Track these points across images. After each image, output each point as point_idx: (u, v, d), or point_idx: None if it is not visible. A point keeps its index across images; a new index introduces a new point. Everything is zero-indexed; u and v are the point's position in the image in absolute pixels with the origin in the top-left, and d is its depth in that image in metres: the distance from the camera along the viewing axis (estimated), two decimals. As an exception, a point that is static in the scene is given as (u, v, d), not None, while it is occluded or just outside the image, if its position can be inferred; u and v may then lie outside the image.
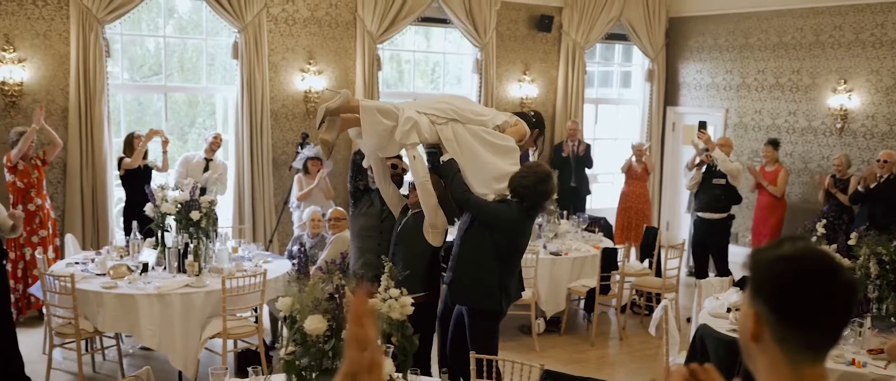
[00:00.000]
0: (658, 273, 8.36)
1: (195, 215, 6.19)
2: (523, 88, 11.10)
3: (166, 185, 6.57)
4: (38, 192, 7.43)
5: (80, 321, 5.75)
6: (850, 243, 5.69)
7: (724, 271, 8.40)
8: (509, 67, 11.04)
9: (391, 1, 9.71)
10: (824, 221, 6.56)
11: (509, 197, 5.02)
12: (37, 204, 7.40)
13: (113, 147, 8.54)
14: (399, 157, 5.41)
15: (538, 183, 4.95)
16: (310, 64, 9.54)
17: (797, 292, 1.44)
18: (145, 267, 6.18)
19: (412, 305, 3.65)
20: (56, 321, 5.90)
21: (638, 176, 10.29)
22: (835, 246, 5.66)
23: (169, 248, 6.28)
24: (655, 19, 11.70)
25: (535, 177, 4.96)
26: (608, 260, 7.65)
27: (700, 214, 8.66)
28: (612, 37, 11.81)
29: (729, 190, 8.45)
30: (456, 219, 5.29)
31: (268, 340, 6.49)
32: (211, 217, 6.33)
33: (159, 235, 6.45)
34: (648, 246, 8.80)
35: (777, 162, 9.33)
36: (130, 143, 7.95)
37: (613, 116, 12.73)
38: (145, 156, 8.02)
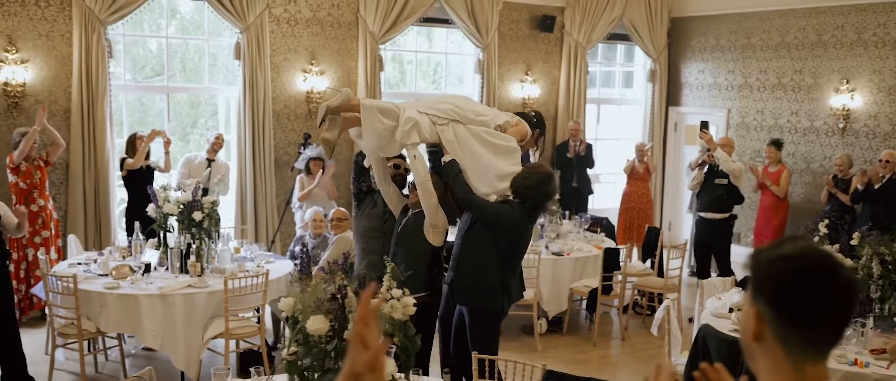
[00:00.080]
0: (660, 273, 8.36)
1: (197, 215, 6.19)
2: (525, 89, 11.10)
3: (168, 185, 6.58)
4: (40, 193, 7.44)
5: (82, 321, 5.75)
6: (853, 243, 5.69)
7: (726, 271, 8.39)
8: (511, 68, 11.04)
9: (393, 1, 9.72)
10: (827, 221, 6.56)
11: (511, 197, 5.02)
12: (39, 205, 7.40)
13: (115, 148, 8.55)
14: (402, 157, 5.40)
15: (540, 184, 4.95)
16: (312, 64, 9.55)
17: (798, 292, 1.44)
18: (148, 268, 6.18)
19: (413, 305, 3.65)
20: (58, 321, 5.91)
21: (640, 176, 10.29)
22: (837, 246, 5.65)
23: (171, 248, 6.29)
24: (657, 19, 11.70)
25: (536, 178, 4.96)
26: (610, 260, 7.64)
27: (702, 214, 8.65)
28: (614, 37, 11.81)
29: (731, 190, 8.44)
30: (457, 219, 5.29)
31: (270, 340, 6.49)
32: (213, 218, 6.34)
33: (161, 235, 6.46)
34: (650, 246, 8.79)
35: (780, 163, 9.32)
36: (133, 143, 7.96)
37: (615, 117, 12.72)
38: (147, 157, 8.02)
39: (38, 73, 8.20)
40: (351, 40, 9.78)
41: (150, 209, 6.40)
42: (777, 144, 9.33)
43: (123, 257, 6.59)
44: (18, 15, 8.06)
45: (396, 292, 3.61)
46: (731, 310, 5.37)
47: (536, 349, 7.27)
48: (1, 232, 5.77)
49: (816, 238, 5.95)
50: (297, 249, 7.08)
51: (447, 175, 5.07)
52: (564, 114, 11.30)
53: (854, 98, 9.77)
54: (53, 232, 7.58)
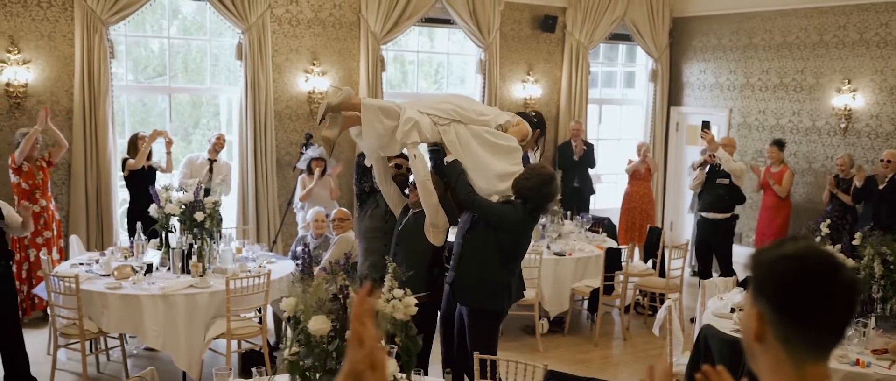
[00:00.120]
0: (662, 273, 8.36)
1: (199, 215, 6.20)
2: (527, 89, 11.10)
3: (170, 186, 6.58)
4: (42, 193, 7.45)
5: (84, 321, 5.76)
6: (855, 243, 5.68)
7: (727, 271, 8.39)
8: (513, 68, 11.04)
9: (395, 2, 9.72)
10: (829, 221, 6.55)
11: (513, 198, 5.02)
12: (42, 205, 7.41)
13: (117, 148, 8.55)
14: (403, 157, 5.40)
15: (542, 185, 4.96)
16: (313, 65, 9.55)
17: (799, 292, 1.44)
18: (149, 268, 6.19)
19: (415, 305, 3.65)
20: (60, 321, 5.92)
21: (641, 176, 10.29)
22: (839, 246, 5.65)
23: (173, 249, 6.29)
24: (659, 19, 11.69)
25: (539, 179, 4.97)
26: (612, 260, 7.64)
27: (704, 214, 8.65)
28: (616, 37, 11.80)
29: (732, 190, 8.44)
30: (458, 219, 5.29)
31: (272, 340, 6.49)
32: (215, 218, 6.35)
33: (163, 236, 6.46)
34: (652, 246, 8.79)
35: (782, 163, 9.31)
36: (134, 144, 7.96)
37: (617, 117, 12.72)
38: (149, 157, 8.03)
39: (40, 73, 8.21)
40: (353, 41, 9.78)
41: (152, 210, 6.41)
42: (779, 144, 9.32)
43: (125, 258, 6.59)
44: (20, 16, 8.07)
45: (398, 292, 3.61)
46: (732, 310, 5.36)
47: (538, 349, 7.27)
48: (4, 233, 5.78)
49: (818, 238, 5.95)
50: (299, 249, 7.08)
51: (450, 175, 5.07)
52: (566, 114, 11.30)
53: (856, 98, 9.76)
54: (55, 233, 7.59)
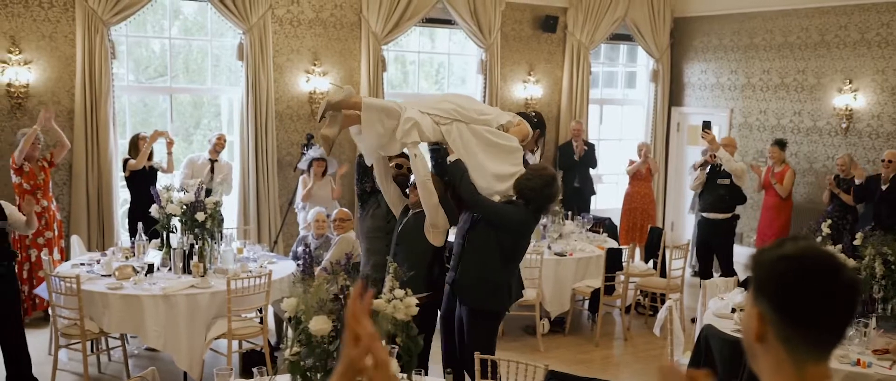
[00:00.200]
0: (663, 274, 8.36)
1: (200, 216, 6.20)
2: (528, 89, 11.10)
3: (171, 186, 6.58)
4: (44, 193, 7.45)
5: (85, 321, 5.77)
6: (856, 243, 5.68)
7: (728, 271, 8.39)
8: (514, 68, 11.04)
9: (396, 2, 9.72)
10: (830, 221, 6.55)
11: (514, 198, 5.02)
12: (43, 205, 7.41)
13: (118, 149, 8.56)
14: (404, 157, 5.40)
15: (544, 186, 4.96)
16: (314, 65, 9.56)
17: (800, 292, 1.44)
18: (150, 268, 6.19)
19: (415, 305, 3.65)
20: (62, 321, 5.92)
21: (642, 177, 10.29)
22: (840, 246, 5.65)
23: (174, 249, 6.30)
24: (660, 19, 11.69)
25: (541, 180, 4.97)
26: (613, 261, 7.64)
27: (704, 214, 8.64)
28: (617, 37, 11.80)
29: (733, 190, 8.43)
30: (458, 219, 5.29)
31: (273, 340, 6.49)
32: (216, 218, 6.35)
33: (164, 236, 6.47)
34: (653, 246, 8.79)
35: (784, 163, 9.31)
36: (135, 144, 7.96)
37: (618, 117, 12.72)
38: (150, 157, 8.03)
39: (42, 74, 8.22)
40: (354, 41, 9.79)
41: (153, 210, 6.41)
42: (781, 144, 9.31)
43: (126, 258, 6.60)
44: (22, 16, 8.08)
45: (399, 292, 3.61)
46: (733, 310, 5.36)
47: (539, 349, 7.27)
48: (6, 233, 5.78)
49: (819, 238, 5.95)
50: (300, 249, 7.08)
51: (453, 175, 5.06)
52: (567, 114, 11.30)
53: (857, 98, 9.76)
54: (56, 233, 7.59)
